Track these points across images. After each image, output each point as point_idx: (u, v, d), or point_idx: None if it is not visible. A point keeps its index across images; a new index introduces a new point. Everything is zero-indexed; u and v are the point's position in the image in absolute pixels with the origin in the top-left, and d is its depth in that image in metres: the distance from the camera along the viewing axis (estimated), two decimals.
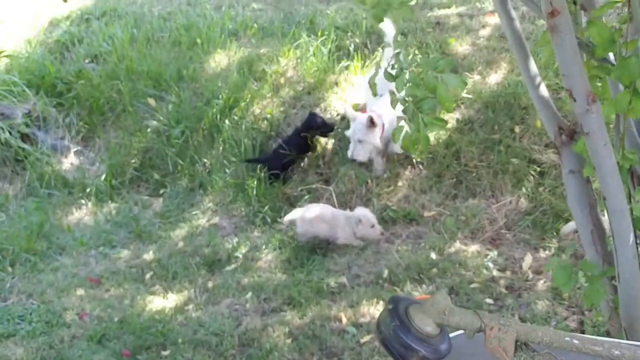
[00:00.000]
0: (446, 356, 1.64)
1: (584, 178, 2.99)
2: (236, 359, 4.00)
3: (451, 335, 1.82)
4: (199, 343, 4.12)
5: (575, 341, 1.53)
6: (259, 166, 5.91)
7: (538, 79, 2.97)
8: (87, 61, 7.31)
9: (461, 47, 6.23)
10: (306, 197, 5.62)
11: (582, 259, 3.59)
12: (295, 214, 5.16)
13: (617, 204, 2.69)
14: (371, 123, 5.29)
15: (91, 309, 4.54)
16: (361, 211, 5.06)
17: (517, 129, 5.50)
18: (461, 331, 1.73)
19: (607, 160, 2.61)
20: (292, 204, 5.71)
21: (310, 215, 5.06)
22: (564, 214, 4.79)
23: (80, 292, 4.79)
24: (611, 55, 2.81)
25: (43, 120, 6.87)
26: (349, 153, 5.45)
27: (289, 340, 4.10)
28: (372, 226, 5.00)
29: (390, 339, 1.61)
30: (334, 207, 5.36)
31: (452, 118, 5.63)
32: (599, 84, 2.80)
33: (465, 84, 2.45)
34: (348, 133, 5.46)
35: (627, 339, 2.83)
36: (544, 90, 2.97)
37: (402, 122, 2.60)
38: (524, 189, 5.26)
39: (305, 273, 4.81)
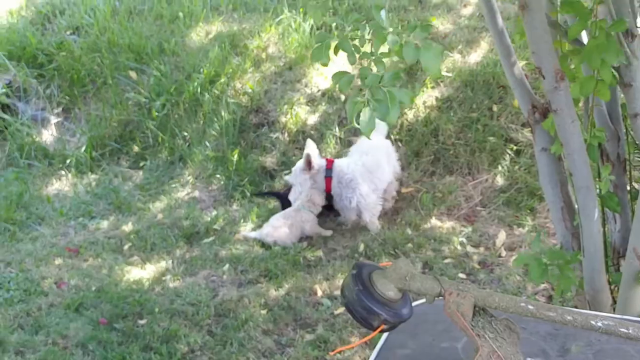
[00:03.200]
0: (407, 320, 1.70)
1: (555, 156, 3.05)
2: (212, 328, 4.06)
3: (415, 303, 1.89)
4: (175, 312, 4.17)
5: (530, 307, 1.58)
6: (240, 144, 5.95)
7: (513, 58, 3.02)
8: (68, 33, 7.26)
9: (442, 25, 6.27)
10: (286, 171, 5.67)
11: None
12: (255, 233, 5.07)
13: (583, 180, 2.76)
14: (307, 164, 5.04)
15: (69, 278, 4.58)
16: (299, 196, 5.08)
17: (494, 108, 5.57)
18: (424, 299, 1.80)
19: (575, 137, 2.68)
20: (272, 177, 5.76)
21: (266, 231, 4.97)
22: (538, 192, 4.86)
23: (59, 261, 4.82)
24: (584, 36, 2.87)
25: (24, 91, 6.83)
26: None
27: (264, 311, 4.17)
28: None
29: (353, 303, 1.66)
30: None
31: (431, 96, 5.69)
32: (572, 66, 2.86)
33: (444, 48, 2.35)
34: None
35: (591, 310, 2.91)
36: (518, 69, 3.02)
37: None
38: (500, 167, 5.33)
39: (282, 247, 4.87)
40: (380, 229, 5.01)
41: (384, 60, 2.28)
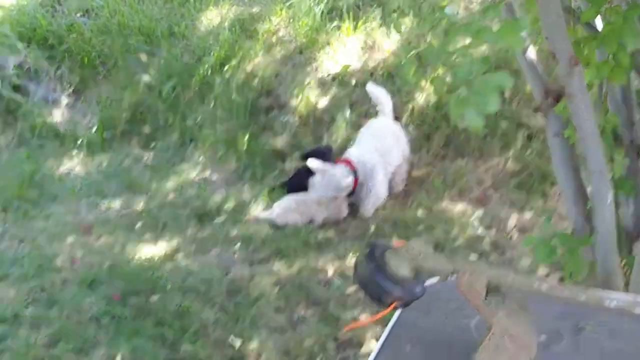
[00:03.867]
0: (419, 298, 1.71)
1: (569, 141, 3.07)
2: (224, 305, 4.09)
3: (428, 282, 1.92)
4: (187, 289, 4.20)
5: (544, 286, 1.59)
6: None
7: (526, 42, 3.03)
8: (78, 15, 7.28)
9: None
10: (296, 153, 5.71)
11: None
12: (266, 213, 5.06)
13: (596, 165, 2.74)
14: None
15: (82, 255, 4.62)
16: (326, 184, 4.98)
17: (506, 93, 5.52)
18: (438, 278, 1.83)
19: (588, 121, 2.68)
20: (283, 159, 5.78)
21: (278, 211, 4.98)
22: (550, 176, 4.87)
23: (71, 239, 4.85)
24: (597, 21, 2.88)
25: (34, 72, 6.87)
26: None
27: (275, 289, 4.20)
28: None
29: (366, 281, 1.69)
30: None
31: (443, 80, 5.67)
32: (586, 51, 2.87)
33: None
34: (316, 180, 5.04)
35: None
36: (531, 53, 3.04)
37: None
38: (511, 152, 5.34)
39: (293, 227, 4.89)
40: (371, 216, 5.02)
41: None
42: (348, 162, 5.03)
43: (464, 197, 5.13)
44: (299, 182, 5.18)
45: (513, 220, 4.78)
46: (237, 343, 3.76)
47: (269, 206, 5.17)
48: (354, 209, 5.14)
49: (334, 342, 3.75)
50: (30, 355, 3.64)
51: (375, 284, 1.66)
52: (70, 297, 4.13)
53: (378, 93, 5.36)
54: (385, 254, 1.70)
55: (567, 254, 2.98)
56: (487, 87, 2.07)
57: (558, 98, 2.99)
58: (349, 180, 4.95)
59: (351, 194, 5.09)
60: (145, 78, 6.61)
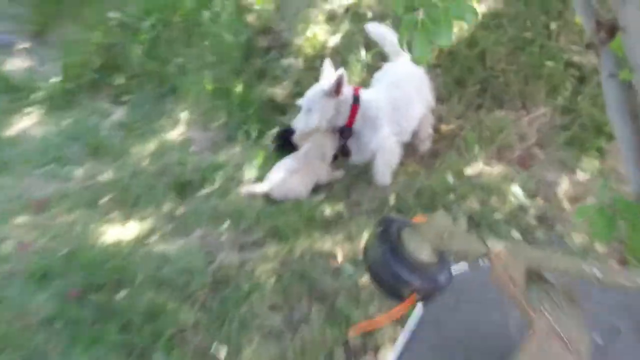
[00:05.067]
0: (445, 288, 1.67)
1: (626, 83, 2.85)
2: (207, 302, 3.90)
3: (455, 269, 1.86)
4: (162, 282, 4.01)
5: (596, 270, 1.56)
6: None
7: None
8: None
9: None
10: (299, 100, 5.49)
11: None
12: (261, 187, 4.82)
13: None
14: (337, 87, 4.60)
15: (34, 239, 4.46)
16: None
17: (552, 26, 5.35)
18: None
19: None
20: (283, 112, 5.60)
21: (275, 181, 4.77)
22: (606, 128, 4.68)
23: (22, 219, 4.72)
24: None
25: None
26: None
27: (272, 280, 3.99)
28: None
29: (378, 267, 1.66)
30: None
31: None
32: None
33: None
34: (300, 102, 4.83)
35: None
36: None
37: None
38: (560, 98, 5.11)
39: (294, 200, 4.70)
40: (390, 184, 4.79)
41: None
42: (355, 89, 4.78)
43: (503, 157, 4.89)
44: (286, 140, 5.05)
45: (563, 185, 4.57)
46: (223, 352, 3.57)
47: (263, 173, 4.96)
48: (368, 176, 4.92)
49: (343, 347, 3.54)
50: None
51: (389, 271, 1.63)
52: (17, 295, 3.95)
53: (382, 33, 5.09)
54: (402, 232, 1.66)
55: (628, 226, 2.75)
56: (446, 16, 1.98)
57: (612, 32, 2.77)
58: (338, 75, 4.59)
59: (345, 131, 4.87)
60: (119, 15, 6.51)
